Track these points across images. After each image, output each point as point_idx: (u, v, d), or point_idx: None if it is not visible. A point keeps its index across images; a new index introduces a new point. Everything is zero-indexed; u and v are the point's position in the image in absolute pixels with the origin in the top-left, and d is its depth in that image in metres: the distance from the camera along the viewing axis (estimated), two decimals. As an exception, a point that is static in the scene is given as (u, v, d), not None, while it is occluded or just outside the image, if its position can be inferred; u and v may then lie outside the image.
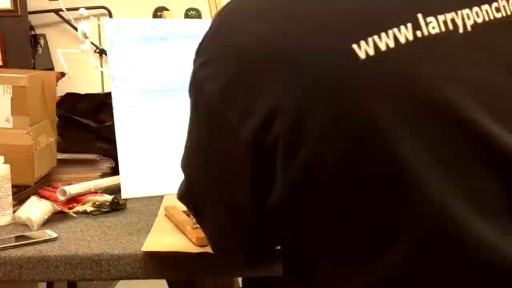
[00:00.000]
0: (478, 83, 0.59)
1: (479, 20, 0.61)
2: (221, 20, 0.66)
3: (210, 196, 0.70)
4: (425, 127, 0.57)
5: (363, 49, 0.57)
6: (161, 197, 1.30)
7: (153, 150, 1.05)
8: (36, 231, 1.09)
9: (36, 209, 1.13)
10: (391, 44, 0.57)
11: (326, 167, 0.57)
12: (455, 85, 0.58)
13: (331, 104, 0.57)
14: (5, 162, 1.17)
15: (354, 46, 0.57)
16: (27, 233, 1.08)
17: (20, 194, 1.27)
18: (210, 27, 0.66)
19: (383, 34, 0.57)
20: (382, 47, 0.57)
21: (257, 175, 0.62)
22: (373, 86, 0.57)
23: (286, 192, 0.60)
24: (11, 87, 1.25)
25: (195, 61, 0.66)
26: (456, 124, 0.57)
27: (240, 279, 1.41)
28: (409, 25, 0.58)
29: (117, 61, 1.09)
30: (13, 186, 1.20)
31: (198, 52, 0.66)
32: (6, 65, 3.41)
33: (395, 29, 0.58)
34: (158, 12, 4.10)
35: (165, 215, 1.18)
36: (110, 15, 4.05)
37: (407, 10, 0.59)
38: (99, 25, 3.67)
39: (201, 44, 0.66)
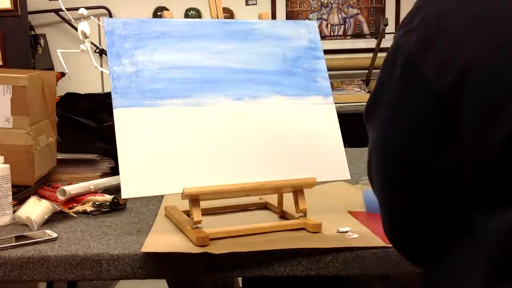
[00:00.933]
0: None
1: None
2: None
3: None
4: None
5: None
6: (161, 197, 1.30)
7: (153, 150, 1.05)
8: (36, 231, 1.09)
9: (36, 209, 1.13)
10: None
11: None
12: None
13: None
14: (5, 162, 1.17)
15: None
16: (27, 233, 1.08)
17: (20, 194, 1.27)
18: (413, 6, 0.70)
19: None
20: None
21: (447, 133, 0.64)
22: None
23: (494, 152, 0.61)
24: (11, 87, 1.25)
25: (398, 30, 0.71)
26: None
27: (240, 279, 1.41)
28: None
29: (116, 61, 1.09)
30: (13, 186, 1.20)
31: (401, 26, 0.70)
32: (6, 65, 3.40)
33: None
34: (158, 12, 4.10)
35: (165, 215, 1.18)
36: (110, 15, 4.05)
37: None
38: (99, 25, 3.68)
39: (408, 15, 0.71)
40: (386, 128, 0.71)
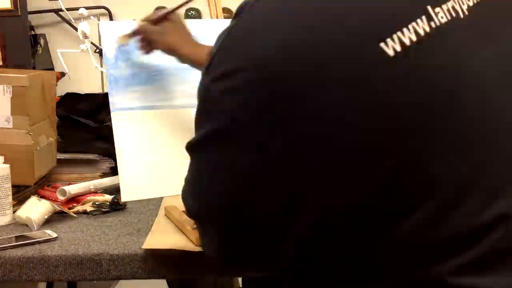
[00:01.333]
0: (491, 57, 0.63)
1: (471, 3, 0.65)
2: (239, 27, 0.64)
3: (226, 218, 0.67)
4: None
5: (391, 46, 0.58)
6: (161, 197, 1.30)
7: (151, 152, 1.05)
8: (36, 231, 1.09)
9: (36, 209, 1.13)
10: (414, 38, 0.59)
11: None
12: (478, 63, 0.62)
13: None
14: (5, 162, 1.17)
15: (382, 44, 0.58)
16: (27, 233, 1.08)
17: (20, 194, 1.27)
18: (226, 34, 0.63)
19: (405, 30, 0.59)
20: (407, 42, 0.59)
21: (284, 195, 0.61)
22: (404, 80, 0.58)
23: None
24: (11, 87, 1.25)
25: (208, 72, 0.63)
26: None
27: (240, 279, 1.41)
28: (424, 17, 0.60)
29: (114, 63, 1.09)
30: (13, 186, 1.20)
31: (212, 63, 0.63)
32: (6, 65, 3.40)
33: (414, 23, 0.60)
34: (158, 12, 4.10)
35: (165, 215, 1.18)
36: (110, 15, 4.05)
37: (418, 4, 0.61)
38: (99, 25, 3.67)
39: (215, 54, 0.63)
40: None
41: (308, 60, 0.58)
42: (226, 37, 0.63)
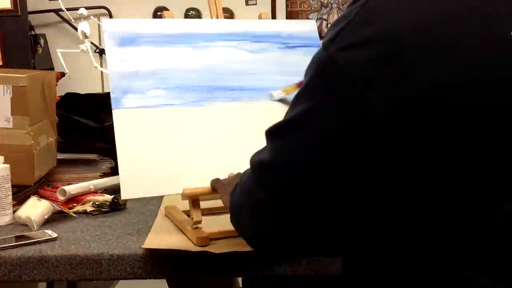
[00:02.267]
0: None
1: None
2: (369, 5, 0.64)
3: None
4: None
5: None
6: (161, 197, 1.30)
7: (152, 150, 1.05)
8: (36, 231, 1.09)
9: (36, 209, 1.13)
10: None
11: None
12: None
13: (491, 91, 0.58)
14: (5, 162, 1.17)
15: None
16: (27, 233, 1.08)
17: (20, 194, 1.27)
18: (361, 6, 0.64)
19: None
20: None
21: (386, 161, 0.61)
22: None
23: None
24: (11, 87, 1.25)
25: (334, 43, 0.64)
26: None
27: (240, 279, 1.41)
28: None
29: (115, 62, 1.09)
30: (13, 186, 1.20)
31: (340, 34, 0.63)
32: (6, 65, 3.41)
33: None
34: (158, 12, 4.10)
35: (165, 215, 1.18)
36: (110, 15, 4.05)
37: None
38: (99, 25, 3.68)
39: (347, 24, 0.64)
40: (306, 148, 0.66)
41: (442, 35, 0.59)
42: (361, 9, 0.64)
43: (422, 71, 0.58)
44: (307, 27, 1.27)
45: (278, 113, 1.17)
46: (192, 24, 1.18)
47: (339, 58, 0.62)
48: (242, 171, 0.89)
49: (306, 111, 0.65)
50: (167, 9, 3.97)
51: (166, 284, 1.49)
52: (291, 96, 1.19)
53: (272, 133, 0.72)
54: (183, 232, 1.05)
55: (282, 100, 1.18)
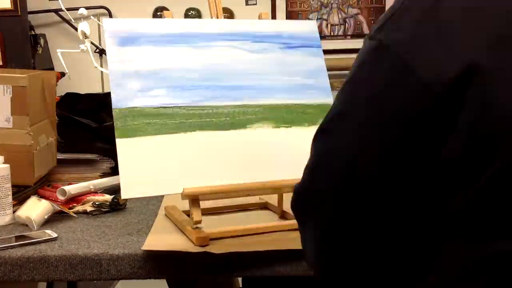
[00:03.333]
0: None
1: None
2: None
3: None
4: None
5: None
6: (161, 197, 1.30)
7: (152, 150, 1.05)
8: (36, 231, 1.09)
9: (36, 209, 1.13)
10: None
11: None
12: None
13: None
14: (5, 162, 1.17)
15: None
16: (27, 233, 1.08)
17: (20, 194, 1.27)
18: (402, 1, 0.66)
19: None
20: None
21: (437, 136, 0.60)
22: None
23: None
24: (11, 87, 1.25)
25: (379, 32, 0.65)
26: None
27: (240, 279, 1.41)
28: None
29: (115, 61, 1.09)
30: (13, 186, 1.20)
31: (385, 24, 0.65)
32: (6, 65, 3.41)
33: None
34: (158, 12, 4.10)
35: (165, 215, 1.18)
36: (110, 15, 4.05)
37: None
38: (99, 25, 3.67)
39: (389, 17, 0.66)
40: (363, 133, 0.65)
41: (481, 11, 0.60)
42: (404, 1, 0.65)
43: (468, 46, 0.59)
44: (308, 27, 1.27)
45: (278, 112, 1.17)
46: (193, 24, 1.18)
47: (390, 42, 0.63)
48: (242, 170, 0.88)
49: (365, 97, 0.65)
50: (167, 9, 3.97)
51: (166, 284, 1.49)
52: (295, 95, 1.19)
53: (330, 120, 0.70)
54: (183, 232, 1.05)
55: (281, 100, 1.18)
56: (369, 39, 0.67)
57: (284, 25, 1.25)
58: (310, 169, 0.71)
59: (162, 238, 1.03)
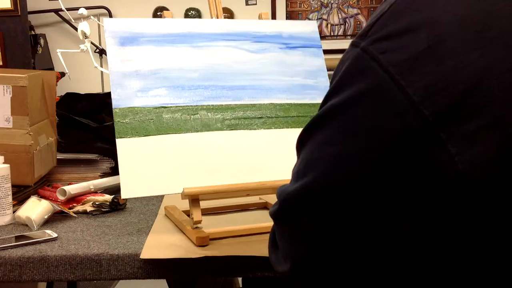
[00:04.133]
0: None
1: None
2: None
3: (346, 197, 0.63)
4: None
5: None
6: (161, 197, 1.30)
7: (152, 150, 1.05)
8: (36, 231, 1.09)
9: (36, 209, 1.13)
10: None
11: None
12: None
13: None
14: (5, 162, 1.17)
15: None
16: (27, 233, 1.08)
17: (20, 194, 1.27)
18: (388, 5, 0.63)
19: None
20: None
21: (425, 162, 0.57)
22: None
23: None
24: (11, 87, 1.25)
25: (366, 36, 0.62)
26: None
27: (240, 279, 1.41)
28: None
29: (116, 60, 1.09)
30: (13, 186, 1.20)
31: (372, 28, 0.62)
32: (6, 65, 3.41)
33: None
34: (158, 12, 4.10)
35: (165, 215, 1.18)
36: (110, 15, 4.05)
37: None
38: (99, 25, 3.68)
39: (379, 19, 0.63)
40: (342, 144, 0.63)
41: (481, 26, 0.57)
42: (393, 3, 0.63)
43: (459, 60, 0.57)
44: (308, 28, 1.27)
45: (278, 112, 1.17)
46: (193, 24, 1.18)
47: (373, 49, 0.61)
48: (242, 170, 0.88)
49: (343, 101, 0.63)
50: (167, 9, 3.97)
51: (166, 284, 1.49)
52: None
53: (310, 126, 0.69)
54: (183, 232, 1.05)
55: (281, 100, 1.18)
56: (351, 47, 0.64)
57: (284, 25, 1.25)
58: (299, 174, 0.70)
59: (162, 239, 1.03)
